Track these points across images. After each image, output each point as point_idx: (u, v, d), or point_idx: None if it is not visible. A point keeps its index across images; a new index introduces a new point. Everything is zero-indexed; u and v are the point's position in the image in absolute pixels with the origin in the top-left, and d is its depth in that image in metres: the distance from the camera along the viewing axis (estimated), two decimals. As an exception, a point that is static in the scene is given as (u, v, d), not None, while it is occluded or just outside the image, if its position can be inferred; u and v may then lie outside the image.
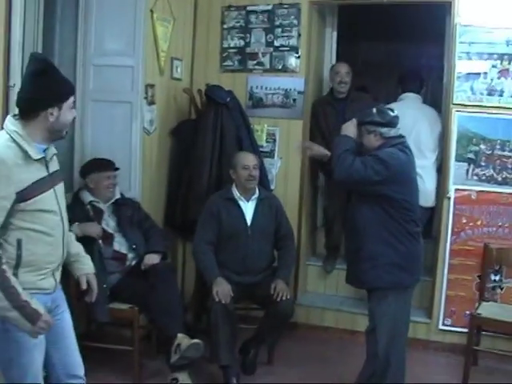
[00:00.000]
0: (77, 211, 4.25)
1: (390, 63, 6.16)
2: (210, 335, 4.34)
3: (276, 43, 5.41)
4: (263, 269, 4.66)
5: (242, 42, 5.50)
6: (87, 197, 4.47)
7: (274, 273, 4.67)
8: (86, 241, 4.22)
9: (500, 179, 4.90)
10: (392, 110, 3.87)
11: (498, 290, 4.95)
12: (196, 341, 4.09)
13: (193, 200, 5.07)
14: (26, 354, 2.75)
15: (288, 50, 5.39)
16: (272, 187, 5.36)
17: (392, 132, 3.78)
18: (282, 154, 5.46)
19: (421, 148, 5.22)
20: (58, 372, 2.98)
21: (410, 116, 5.17)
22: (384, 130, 3.76)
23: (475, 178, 4.94)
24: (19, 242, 2.66)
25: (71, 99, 2.79)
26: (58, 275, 2.92)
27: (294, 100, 5.40)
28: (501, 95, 4.84)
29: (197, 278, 5.22)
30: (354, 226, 3.85)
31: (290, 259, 4.78)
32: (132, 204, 4.68)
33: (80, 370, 3.06)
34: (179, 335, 4.11)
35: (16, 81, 3.65)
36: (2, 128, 2.72)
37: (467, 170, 4.95)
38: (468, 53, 4.88)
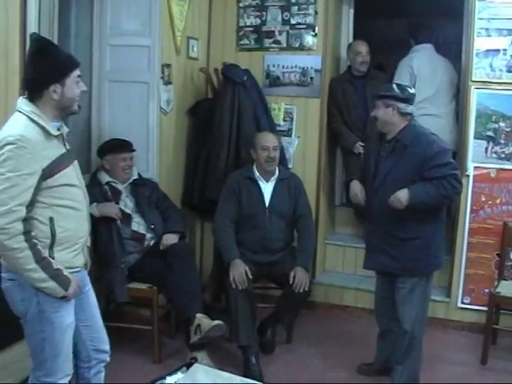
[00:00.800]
0: (95, 192, 4.25)
1: (407, 40, 6.09)
2: (229, 315, 4.36)
3: (292, 21, 5.36)
4: (281, 248, 4.66)
5: (259, 21, 5.45)
6: (105, 177, 4.47)
7: (292, 252, 4.68)
8: (105, 221, 4.27)
9: (520, 157, 4.86)
10: (410, 87, 3.89)
11: (518, 269, 4.93)
12: (218, 322, 4.11)
13: (210, 180, 5.06)
14: (59, 334, 2.82)
15: (305, 28, 5.34)
16: (290, 166, 5.34)
17: (409, 109, 3.78)
18: (300, 132, 5.44)
19: (443, 96, 5.39)
20: (87, 348, 3.08)
21: (429, 66, 5.37)
22: (402, 105, 3.75)
23: (494, 155, 4.89)
24: (51, 220, 2.72)
25: (75, 73, 2.79)
26: (86, 252, 2.99)
27: (311, 78, 5.36)
28: (521, 72, 4.78)
29: (215, 258, 5.23)
30: (411, 215, 3.74)
31: (310, 242, 4.72)
32: (150, 184, 4.68)
33: (106, 345, 3.17)
34: (198, 315, 4.13)
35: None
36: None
37: (486, 148, 4.90)
38: (487, 29, 4.81)
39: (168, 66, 4.92)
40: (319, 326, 5.19)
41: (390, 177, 3.78)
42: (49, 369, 2.84)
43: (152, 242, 4.53)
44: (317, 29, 5.31)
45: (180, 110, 5.24)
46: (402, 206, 3.66)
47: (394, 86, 3.85)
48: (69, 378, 2.94)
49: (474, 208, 4.93)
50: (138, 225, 4.50)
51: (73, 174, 2.84)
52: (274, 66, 5.45)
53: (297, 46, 5.38)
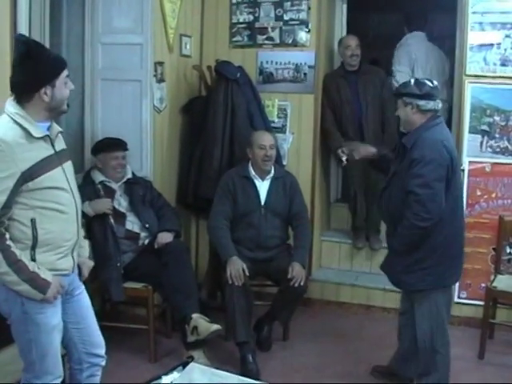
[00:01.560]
0: (87, 191, 4.24)
1: (401, 35, 6.10)
2: (226, 312, 4.36)
3: (285, 17, 5.34)
4: (277, 245, 4.66)
5: (251, 17, 5.43)
6: (98, 176, 4.46)
7: (287, 249, 4.68)
8: (99, 221, 4.26)
9: (515, 151, 4.85)
10: (431, 81, 3.62)
11: (514, 263, 4.93)
12: (216, 327, 4.10)
13: (205, 177, 5.05)
14: (45, 336, 2.80)
15: (298, 24, 5.32)
16: (284, 163, 5.33)
17: (430, 105, 3.54)
18: (294, 129, 5.42)
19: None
20: (78, 351, 3.05)
21: (423, 52, 5.55)
22: (421, 102, 3.52)
23: (489, 150, 4.88)
24: (33, 222, 2.69)
25: (63, 74, 2.77)
26: (76, 255, 2.96)
27: (305, 74, 5.34)
28: (514, 65, 4.78)
29: (210, 256, 5.22)
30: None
31: (306, 239, 4.71)
32: (144, 183, 4.67)
33: (100, 349, 3.14)
34: (195, 315, 4.13)
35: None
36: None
37: (481, 142, 4.89)
38: (481, 23, 4.80)
39: (161, 63, 4.90)
40: (315, 323, 5.18)
41: (393, 182, 3.65)
42: (37, 371, 2.83)
43: (147, 241, 4.51)
44: (310, 25, 5.29)
45: (173, 107, 5.22)
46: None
47: (412, 81, 3.62)
48: (59, 380, 2.92)
49: (470, 202, 4.92)
50: (132, 224, 4.48)
51: (60, 176, 2.81)
52: (267, 62, 5.42)
53: (290, 42, 5.36)
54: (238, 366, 4.23)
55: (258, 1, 5.40)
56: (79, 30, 4.79)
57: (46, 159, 2.72)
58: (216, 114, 5.03)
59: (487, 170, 4.90)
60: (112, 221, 4.36)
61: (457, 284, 4.99)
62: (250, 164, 4.66)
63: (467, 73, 4.87)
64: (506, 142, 4.85)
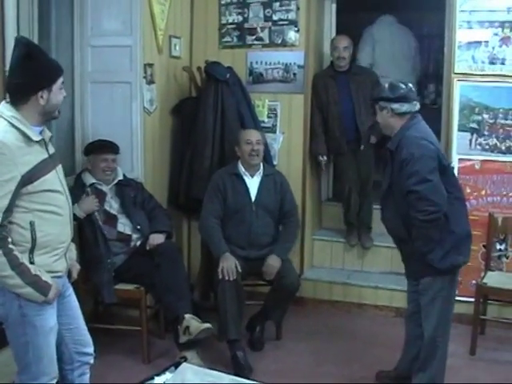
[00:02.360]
0: (78, 193, 4.25)
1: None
2: (218, 310, 4.38)
3: (275, 17, 5.36)
4: (268, 243, 4.67)
5: (241, 18, 5.45)
6: (89, 179, 4.46)
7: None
8: (89, 223, 4.27)
9: (504, 148, 4.87)
10: (406, 84, 3.63)
11: (504, 259, 4.96)
12: (206, 326, 4.11)
13: (196, 178, 5.06)
14: (42, 337, 2.83)
15: (287, 24, 5.33)
16: (275, 162, 5.35)
17: (404, 108, 3.54)
18: (284, 128, 5.44)
19: (401, 61, 6.19)
20: (70, 351, 3.08)
21: (388, 33, 6.09)
22: (395, 105, 3.54)
23: (478, 147, 4.91)
24: (32, 225, 2.71)
25: (60, 80, 2.81)
26: (68, 257, 2.98)
27: (295, 74, 5.36)
28: (503, 63, 4.79)
29: (203, 256, 5.23)
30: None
31: (290, 235, 4.75)
32: (135, 185, 4.67)
33: (89, 347, 3.17)
34: (187, 316, 4.13)
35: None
36: None
37: (470, 140, 4.92)
38: (469, 21, 4.83)
39: (150, 65, 4.90)
40: (308, 322, 5.20)
41: (394, 190, 3.62)
42: (33, 372, 2.85)
43: (138, 243, 4.52)
44: (299, 24, 5.31)
45: (163, 109, 5.23)
46: None
47: (386, 86, 3.64)
48: (55, 381, 2.94)
49: (460, 200, 4.95)
50: (123, 226, 4.49)
51: (55, 179, 2.83)
52: (256, 62, 5.44)
53: (279, 42, 5.37)
54: (231, 365, 4.25)
55: (247, 1, 5.41)
56: (68, 33, 4.78)
57: (43, 162, 2.75)
58: (206, 115, 5.05)
59: (477, 167, 4.93)
60: (100, 223, 4.36)
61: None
62: (239, 162, 4.70)
63: (456, 71, 4.90)
64: (495, 140, 4.87)
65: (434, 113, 5.36)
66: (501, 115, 4.83)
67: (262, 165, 4.73)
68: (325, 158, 5.58)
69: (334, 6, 6.05)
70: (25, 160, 2.65)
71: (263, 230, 4.66)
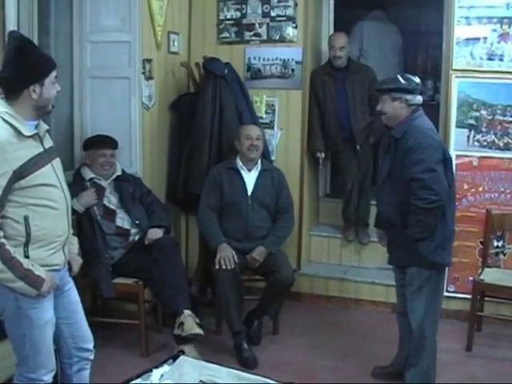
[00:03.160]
0: (77, 188, 4.27)
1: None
2: (218, 303, 4.42)
3: (272, 13, 5.36)
4: (264, 237, 4.67)
5: (239, 14, 5.45)
6: (88, 174, 4.47)
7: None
8: (88, 217, 4.28)
9: (501, 145, 4.88)
10: (415, 77, 3.74)
11: (501, 256, 4.97)
12: (198, 331, 4.11)
13: (194, 174, 5.07)
14: (38, 330, 2.84)
15: (285, 20, 5.33)
16: (272, 158, 5.36)
17: (416, 99, 3.65)
18: (282, 124, 5.44)
19: (388, 56, 6.24)
20: (68, 345, 3.09)
21: (376, 29, 6.19)
22: (409, 96, 3.62)
23: (476, 144, 4.92)
24: (26, 219, 2.71)
25: (53, 74, 2.80)
26: (67, 251, 2.98)
27: (293, 70, 5.36)
28: (501, 60, 4.80)
29: (201, 251, 5.25)
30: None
31: (282, 230, 4.75)
32: (133, 180, 4.69)
33: (89, 343, 3.18)
34: (186, 312, 4.15)
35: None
36: None
37: (468, 137, 4.93)
38: (467, 17, 4.83)
39: (149, 61, 4.91)
40: (305, 317, 5.21)
41: (393, 177, 3.67)
42: (31, 365, 2.87)
43: (137, 237, 4.53)
44: (297, 21, 5.31)
45: (162, 104, 5.23)
46: None
47: (400, 77, 3.70)
48: (52, 374, 2.96)
49: (457, 196, 4.92)
50: (122, 220, 4.50)
51: (50, 173, 2.83)
52: (254, 58, 5.44)
53: (277, 38, 5.37)
54: (229, 358, 4.29)
55: (245, -3, 5.43)
56: (67, 29, 4.80)
57: (36, 157, 2.75)
58: (204, 111, 5.05)
59: (474, 163, 4.94)
60: (99, 217, 4.38)
61: (445, 277, 5.04)
62: (237, 157, 4.72)
63: (454, 67, 4.90)
64: (493, 136, 4.88)
65: (432, 109, 5.34)
66: (499, 111, 4.83)
67: (260, 160, 4.76)
68: (322, 154, 5.59)
69: (331, 2, 6.05)
70: (17, 155, 2.65)
71: (259, 224, 4.68)
